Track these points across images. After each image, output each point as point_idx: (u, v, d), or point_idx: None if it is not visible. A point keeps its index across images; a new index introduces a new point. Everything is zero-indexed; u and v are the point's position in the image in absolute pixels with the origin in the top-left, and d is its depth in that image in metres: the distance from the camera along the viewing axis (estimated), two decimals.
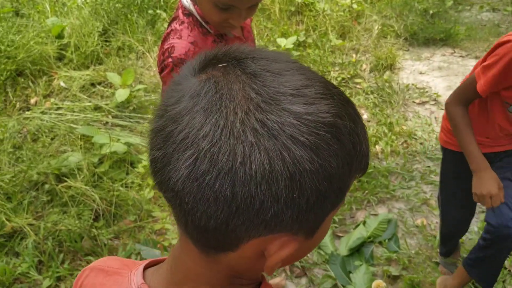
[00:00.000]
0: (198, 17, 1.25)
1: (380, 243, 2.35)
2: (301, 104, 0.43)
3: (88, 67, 3.57)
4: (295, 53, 3.96)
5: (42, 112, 3.07)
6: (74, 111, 3.10)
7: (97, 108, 3.17)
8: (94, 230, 2.31)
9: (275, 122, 0.42)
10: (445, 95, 3.70)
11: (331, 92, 0.46)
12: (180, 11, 1.27)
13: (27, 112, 3.10)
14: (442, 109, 3.53)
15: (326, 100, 0.44)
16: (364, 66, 3.99)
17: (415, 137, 3.18)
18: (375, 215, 2.53)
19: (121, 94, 3.11)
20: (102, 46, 3.75)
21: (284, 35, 4.24)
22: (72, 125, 2.94)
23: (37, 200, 2.44)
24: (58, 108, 3.14)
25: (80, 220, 2.34)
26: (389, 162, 2.92)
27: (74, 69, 3.51)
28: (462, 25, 4.90)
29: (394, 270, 2.19)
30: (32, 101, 3.23)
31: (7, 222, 2.28)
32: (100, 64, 3.63)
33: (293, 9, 4.57)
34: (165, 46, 1.22)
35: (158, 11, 4.10)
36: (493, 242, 1.62)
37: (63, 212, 2.39)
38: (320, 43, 4.19)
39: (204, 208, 0.43)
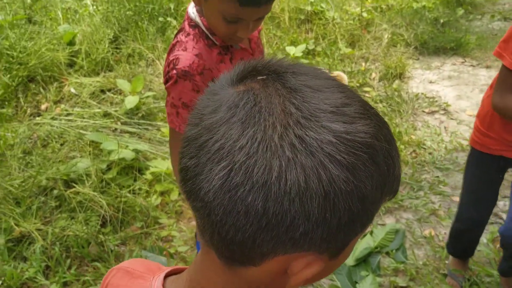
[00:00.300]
0: (204, 29, 1.25)
1: (387, 253, 2.33)
2: (340, 123, 0.42)
3: (98, 74, 3.61)
4: (304, 61, 3.96)
5: (52, 118, 3.10)
6: (83, 117, 3.13)
7: (106, 115, 3.20)
8: (101, 236, 2.32)
9: (313, 139, 0.41)
10: (454, 104, 3.67)
11: (369, 113, 0.46)
12: (186, 22, 1.27)
13: (37, 118, 3.13)
14: (451, 118, 3.50)
15: (364, 120, 0.44)
16: (373, 74, 3.98)
17: (424, 146, 3.16)
18: (383, 225, 2.51)
19: (131, 101, 3.14)
20: (112, 53, 3.79)
21: (294, 43, 4.25)
22: (81, 131, 2.97)
23: (45, 205, 2.47)
24: (68, 114, 3.17)
25: (87, 226, 2.35)
26: None
27: (85, 76, 3.55)
28: (473, 34, 4.88)
29: (401, 281, 2.17)
30: (43, 107, 3.27)
31: (15, 227, 2.30)
32: (110, 71, 3.67)
33: (302, 17, 4.58)
34: (170, 58, 1.23)
35: (168, 18, 4.14)
36: None
37: (71, 218, 2.41)
38: (330, 51, 4.19)
39: (233, 221, 0.42)
